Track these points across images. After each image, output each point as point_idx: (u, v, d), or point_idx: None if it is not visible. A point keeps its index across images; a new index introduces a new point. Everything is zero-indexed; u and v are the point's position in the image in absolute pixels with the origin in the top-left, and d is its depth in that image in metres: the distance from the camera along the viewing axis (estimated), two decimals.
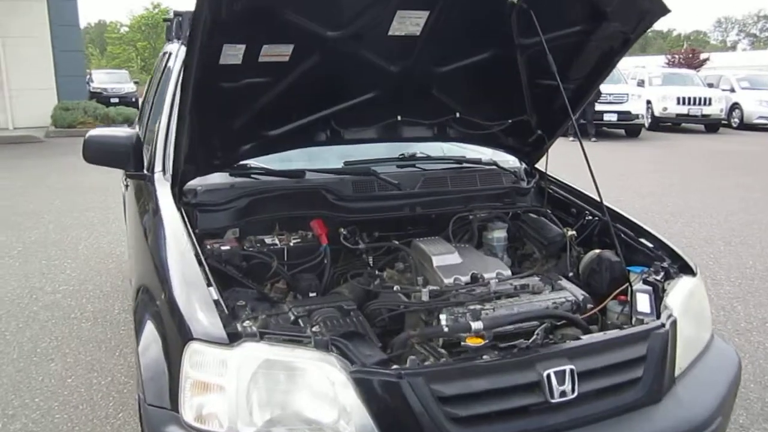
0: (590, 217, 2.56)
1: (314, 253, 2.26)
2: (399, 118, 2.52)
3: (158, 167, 2.46)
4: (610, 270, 2.17)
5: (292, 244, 2.26)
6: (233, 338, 1.52)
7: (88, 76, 19.93)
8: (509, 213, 2.66)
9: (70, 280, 4.68)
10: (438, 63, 2.33)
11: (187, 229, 2.00)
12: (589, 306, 2.02)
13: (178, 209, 2.15)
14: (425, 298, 1.95)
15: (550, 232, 2.47)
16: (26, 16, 14.54)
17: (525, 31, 2.23)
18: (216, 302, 1.62)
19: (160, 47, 6.18)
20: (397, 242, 2.35)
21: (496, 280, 2.05)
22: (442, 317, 1.81)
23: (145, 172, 2.54)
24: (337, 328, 1.70)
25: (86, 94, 16.74)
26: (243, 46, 1.91)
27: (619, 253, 2.16)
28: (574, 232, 2.44)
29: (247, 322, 1.63)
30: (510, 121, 2.67)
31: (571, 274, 2.30)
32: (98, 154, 2.53)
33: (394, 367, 1.55)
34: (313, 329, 1.66)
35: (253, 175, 2.45)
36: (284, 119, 2.35)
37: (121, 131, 2.60)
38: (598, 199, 2.33)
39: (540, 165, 2.92)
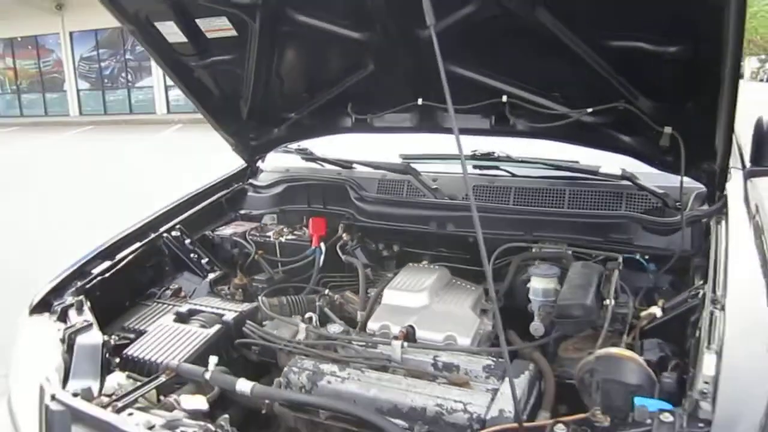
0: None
1: (301, 253, 2.17)
2: (419, 101, 2.09)
3: None
4: (604, 393, 1.25)
5: (283, 239, 2.20)
6: None
7: None
8: (593, 255, 1.78)
9: None
10: (419, 23, 1.76)
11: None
12: None
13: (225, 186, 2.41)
14: (300, 335, 1.68)
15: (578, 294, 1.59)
16: None
17: None
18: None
19: None
20: (362, 267, 2.05)
21: (404, 344, 1.55)
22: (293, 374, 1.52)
23: None
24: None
25: None
26: (171, 23, 1.96)
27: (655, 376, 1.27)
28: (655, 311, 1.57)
29: None
30: (589, 110, 1.83)
31: None
32: None
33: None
34: None
35: (319, 162, 2.46)
36: (295, 100, 2.30)
37: None
38: None
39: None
